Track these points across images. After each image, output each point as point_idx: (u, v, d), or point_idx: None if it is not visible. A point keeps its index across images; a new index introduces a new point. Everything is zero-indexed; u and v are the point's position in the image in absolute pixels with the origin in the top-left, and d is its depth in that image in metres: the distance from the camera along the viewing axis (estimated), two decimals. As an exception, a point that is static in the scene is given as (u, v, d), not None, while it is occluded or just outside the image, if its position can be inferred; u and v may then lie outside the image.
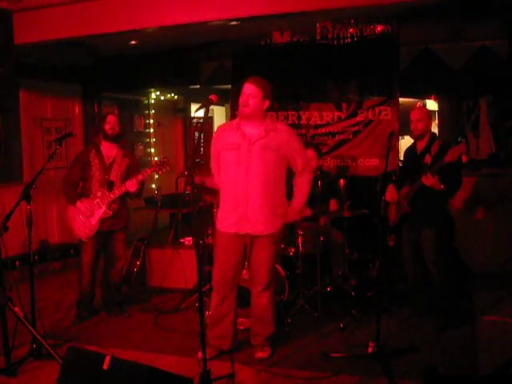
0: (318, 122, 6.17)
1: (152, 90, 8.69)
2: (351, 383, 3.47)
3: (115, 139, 4.73)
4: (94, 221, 4.61)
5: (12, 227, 3.68)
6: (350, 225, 4.99)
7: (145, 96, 8.80)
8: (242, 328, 4.07)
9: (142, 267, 5.60)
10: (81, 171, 4.69)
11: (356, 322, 4.42)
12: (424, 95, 7.85)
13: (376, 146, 5.87)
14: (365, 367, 3.59)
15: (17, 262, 5.11)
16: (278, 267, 4.44)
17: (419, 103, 7.84)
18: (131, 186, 4.56)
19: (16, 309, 3.69)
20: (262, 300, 3.84)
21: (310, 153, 5.04)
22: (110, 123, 4.70)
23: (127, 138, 5.45)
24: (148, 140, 8.93)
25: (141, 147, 8.72)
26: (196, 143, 8.16)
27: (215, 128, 9.12)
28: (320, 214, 4.75)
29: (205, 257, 5.11)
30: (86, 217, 4.60)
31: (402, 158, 5.04)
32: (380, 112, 5.89)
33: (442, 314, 4.32)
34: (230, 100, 6.74)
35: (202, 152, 7.50)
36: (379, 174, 5.53)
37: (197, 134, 9.06)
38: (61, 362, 3.27)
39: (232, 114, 6.49)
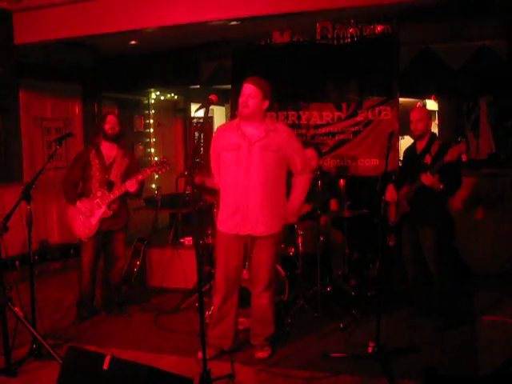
0: (318, 122, 6.18)
1: (152, 89, 8.69)
2: (351, 383, 3.47)
3: (115, 139, 4.73)
4: (94, 221, 4.61)
5: (12, 227, 3.68)
6: (350, 225, 4.99)
7: (145, 96, 8.80)
8: (241, 328, 4.07)
9: (141, 267, 5.59)
10: (81, 171, 4.69)
11: (356, 322, 4.42)
12: (424, 95, 7.85)
13: (376, 145, 5.88)
14: (365, 367, 3.59)
15: (17, 262, 5.10)
16: (278, 267, 4.43)
17: (419, 103, 7.84)
18: (131, 185, 4.56)
19: (16, 309, 3.69)
20: (262, 300, 3.84)
21: (311, 152, 5.05)
22: (110, 123, 4.70)
23: (127, 138, 5.45)
24: (148, 140, 8.94)
25: (141, 147, 8.72)
26: (196, 143, 8.15)
27: (215, 128, 9.13)
28: (320, 209, 4.74)
29: (205, 257, 5.11)
30: (86, 217, 4.60)
31: (401, 158, 5.04)
32: (380, 112, 5.90)
33: (441, 313, 4.32)
34: (230, 100, 6.74)
35: (201, 152, 7.50)
36: (379, 173, 5.53)
37: (197, 134, 9.06)
38: (61, 361, 3.27)
39: (232, 114, 6.49)
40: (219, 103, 9.26)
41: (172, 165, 4.94)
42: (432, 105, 8.19)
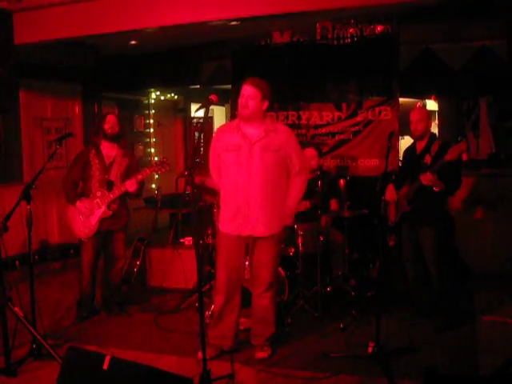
0: (318, 122, 6.18)
1: (152, 89, 8.69)
2: (351, 383, 3.47)
3: (115, 139, 4.73)
4: (94, 221, 4.61)
5: (12, 227, 3.68)
6: (350, 225, 4.99)
7: (145, 96, 8.80)
8: (242, 328, 4.07)
9: (142, 267, 5.59)
10: (81, 171, 4.70)
11: (356, 322, 4.42)
12: (424, 95, 7.85)
13: (376, 146, 5.88)
14: (365, 367, 3.58)
15: (17, 262, 5.10)
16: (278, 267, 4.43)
17: (419, 103, 7.85)
18: (130, 185, 4.56)
19: (16, 309, 3.69)
20: (263, 301, 3.84)
21: (311, 152, 5.05)
22: (110, 123, 4.70)
23: (127, 138, 5.45)
24: (148, 140, 8.94)
25: (141, 147, 8.73)
26: (196, 143, 8.16)
27: (215, 128, 9.15)
28: (319, 207, 4.74)
29: (205, 257, 5.11)
30: (86, 217, 4.60)
31: (401, 158, 5.04)
32: (380, 112, 5.90)
33: (442, 314, 4.32)
34: (230, 100, 6.74)
35: (201, 152, 7.50)
36: (379, 174, 5.53)
37: (197, 134, 9.06)
38: (61, 361, 3.27)
39: (232, 114, 6.49)
40: (219, 103, 9.26)
41: (172, 165, 4.94)
42: (432, 105, 8.19)
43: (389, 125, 5.76)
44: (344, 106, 6.07)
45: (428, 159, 4.26)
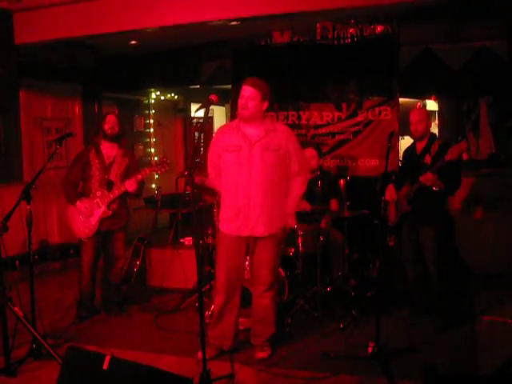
0: (318, 122, 6.18)
1: (152, 89, 8.68)
2: (351, 383, 3.47)
3: (115, 139, 4.73)
4: (94, 220, 4.60)
5: (12, 227, 3.68)
6: (350, 225, 4.99)
7: (145, 96, 8.80)
8: (242, 328, 4.07)
9: (141, 267, 5.59)
10: (81, 171, 4.70)
11: (356, 323, 4.41)
12: (424, 95, 7.85)
13: (376, 146, 5.88)
14: (365, 367, 3.58)
15: (17, 262, 5.10)
16: (278, 267, 4.43)
17: (419, 103, 7.85)
18: (130, 185, 4.56)
19: (16, 309, 3.69)
20: (264, 301, 3.84)
21: (311, 152, 5.05)
22: (110, 123, 4.70)
23: (127, 138, 5.45)
24: (148, 140, 8.94)
25: (141, 147, 8.72)
26: (196, 143, 8.16)
27: (215, 128, 9.15)
28: (319, 212, 4.74)
29: (205, 257, 5.11)
30: (86, 216, 4.60)
31: (400, 158, 5.04)
32: (380, 112, 5.90)
33: (441, 313, 4.32)
34: (230, 100, 6.75)
35: (202, 152, 7.50)
36: (379, 174, 5.53)
37: (197, 134, 9.06)
38: (61, 361, 3.27)
39: (232, 114, 6.49)
40: (219, 103, 9.26)
41: (172, 165, 4.94)
42: (432, 105, 8.19)
43: (389, 125, 5.77)
44: (344, 106, 6.08)
45: (428, 159, 4.26)
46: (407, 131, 4.85)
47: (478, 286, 5.18)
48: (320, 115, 6.17)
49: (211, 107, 4.37)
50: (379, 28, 5.82)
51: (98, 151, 4.72)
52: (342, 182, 5.13)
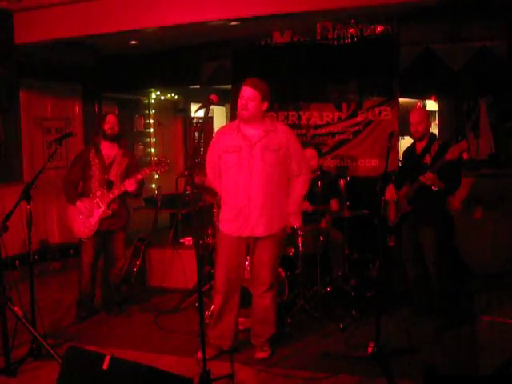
0: (318, 122, 6.18)
1: (152, 89, 8.68)
2: (351, 383, 3.47)
3: (115, 139, 4.74)
4: (94, 220, 4.61)
5: (12, 227, 3.68)
6: (350, 225, 4.99)
7: (145, 96, 8.80)
8: (241, 328, 4.07)
9: (141, 267, 5.59)
10: (81, 171, 4.70)
11: (356, 323, 4.42)
12: (424, 95, 7.85)
13: (376, 146, 5.88)
14: (365, 367, 3.58)
15: (17, 262, 5.10)
16: (278, 267, 4.43)
17: (419, 104, 7.85)
18: (130, 185, 4.56)
19: (16, 308, 3.69)
20: (264, 301, 3.84)
21: (311, 152, 5.05)
22: (110, 123, 4.70)
23: (127, 138, 5.45)
24: (148, 140, 8.94)
25: (141, 147, 8.72)
26: (196, 143, 8.16)
27: (215, 128, 9.15)
28: (320, 213, 4.74)
29: (205, 257, 5.11)
30: (86, 216, 4.60)
31: (400, 159, 5.04)
32: (380, 112, 5.90)
33: (442, 313, 4.32)
34: (230, 100, 6.74)
35: (202, 152, 7.50)
36: (379, 174, 5.53)
37: (197, 134, 9.06)
38: (60, 361, 3.27)
39: (232, 114, 6.49)
40: (219, 103, 9.26)
41: (172, 165, 4.94)
42: (432, 105, 8.19)
43: (389, 125, 5.77)
44: (344, 106, 6.07)
45: (428, 159, 4.26)
46: (407, 131, 4.85)
47: (478, 286, 5.18)
48: (320, 115, 6.17)
49: (211, 107, 4.38)
50: (379, 28, 5.82)
51: (98, 151, 4.72)
52: (341, 182, 5.13)
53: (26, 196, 3.79)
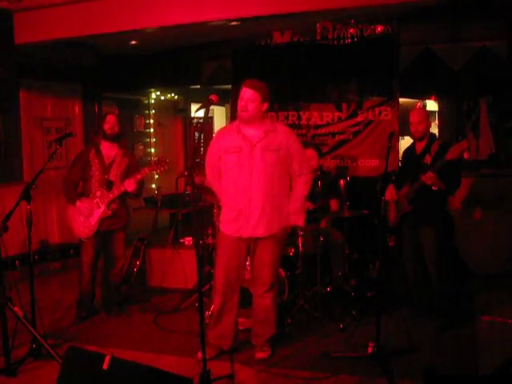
0: (318, 123, 6.18)
1: (152, 89, 8.69)
2: (351, 383, 3.47)
3: (115, 139, 4.74)
4: (94, 220, 4.61)
5: (12, 227, 3.68)
6: (350, 225, 4.99)
7: (145, 96, 8.80)
8: (241, 328, 4.07)
9: (141, 267, 5.59)
10: (81, 171, 4.70)
11: (356, 323, 4.42)
12: (424, 96, 7.85)
13: (376, 146, 5.88)
14: (365, 367, 3.58)
15: (17, 262, 5.10)
16: (278, 267, 4.43)
17: (419, 104, 7.85)
18: (129, 185, 4.56)
19: (16, 309, 3.69)
20: (265, 301, 3.84)
21: (311, 153, 5.05)
22: (110, 123, 4.70)
23: (127, 138, 5.45)
24: (148, 140, 8.94)
25: (141, 147, 8.73)
26: (196, 143, 8.16)
27: (215, 128, 9.15)
28: (320, 212, 4.74)
29: (205, 257, 5.11)
30: (86, 216, 4.60)
31: (400, 159, 5.04)
32: (380, 112, 5.90)
33: (442, 314, 4.32)
34: (230, 100, 6.74)
35: (202, 152, 7.50)
36: (379, 174, 5.53)
37: (197, 134, 9.07)
38: (61, 361, 3.27)
39: (232, 114, 6.49)
40: (219, 103, 9.26)
41: (172, 165, 4.94)
42: (432, 105, 8.19)
43: (389, 125, 5.76)
44: (344, 106, 6.07)
45: (428, 159, 4.26)
46: (407, 131, 4.85)
47: (478, 286, 5.18)
48: (320, 115, 6.17)
49: (211, 107, 4.38)
50: (379, 28, 5.81)
51: (98, 151, 4.72)
52: (342, 182, 5.13)
53: (26, 196, 3.79)
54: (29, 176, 6.18)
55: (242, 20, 5.25)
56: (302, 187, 3.84)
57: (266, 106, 3.71)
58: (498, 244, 5.69)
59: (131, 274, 5.49)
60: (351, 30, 5.95)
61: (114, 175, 4.68)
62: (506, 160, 6.58)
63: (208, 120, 9.04)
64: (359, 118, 5.98)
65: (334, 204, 5.13)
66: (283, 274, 4.53)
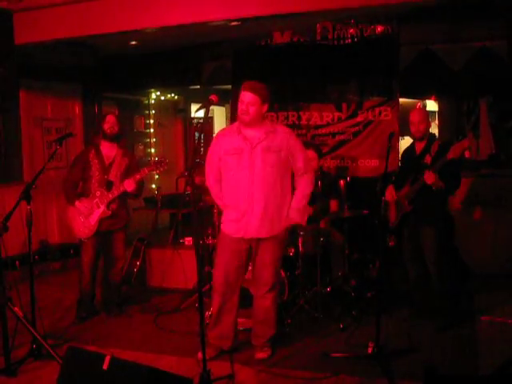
0: (318, 123, 6.18)
1: (152, 90, 8.68)
2: (351, 383, 3.47)
3: (114, 139, 4.73)
4: (93, 220, 4.60)
5: (12, 227, 3.68)
6: (350, 225, 4.99)
7: (145, 96, 8.80)
8: (241, 328, 4.07)
9: (142, 267, 5.60)
10: (81, 171, 4.70)
11: (356, 323, 4.42)
12: (424, 96, 7.85)
13: (376, 146, 5.88)
14: (365, 368, 3.58)
15: (17, 262, 5.10)
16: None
17: (419, 104, 7.84)
18: (129, 185, 4.56)
19: (16, 309, 3.69)
20: (265, 302, 3.84)
21: (311, 153, 5.04)
22: (109, 123, 4.70)
23: (127, 138, 5.45)
24: (148, 140, 8.93)
25: (141, 147, 8.72)
26: (196, 143, 8.16)
27: (215, 128, 9.15)
28: (320, 214, 4.74)
29: (205, 257, 5.11)
30: (85, 216, 4.60)
31: (400, 159, 5.04)
32: (380, 112, 5.90)
33: (441, 314, 4.32)
34: (230, 100, 6.75)
35: (202, 152, 7.50)
36: (379, 174, 5.53)
37: (197, 134, 9.07)
38: (61, 361, 3.27)
39: (232, 115, 6.49)
40: (219, 103, 9.26)
41: (172, 165, 4.95)
42: (432, 105, 8.19)
43: (389, 125, 5.77)
44: (344, 106, 6.07)
45: (428, 159, 4.26)
46: (407, 131, 4.84)
47: (478, 286, 5.18)
48: (320, 115, 6.17)
49: (211, 107, 4.38)
50: (379, 28, 5.82)
51: (98, 151, 4.72)
52: (341, 182, 5.12)
53: (26, 196, 3.79)
54: (29, 176, 6.17)
55: (243, 20, 5.26)
56: (305, 186, 3.83)
57: (266, 107, 3.71)
58: (498, 244, 5.69)
59: (131, 274, 5.49)
60: (351, 30, 5.95)
61: (113, 175, 4.67)
62: (506, 160, 6.59)
63: (208, 120, 9.04)
64: (359, 118, 5.98)
65: (334, 204, 5.13)
66: (283, 274, 4.53)
